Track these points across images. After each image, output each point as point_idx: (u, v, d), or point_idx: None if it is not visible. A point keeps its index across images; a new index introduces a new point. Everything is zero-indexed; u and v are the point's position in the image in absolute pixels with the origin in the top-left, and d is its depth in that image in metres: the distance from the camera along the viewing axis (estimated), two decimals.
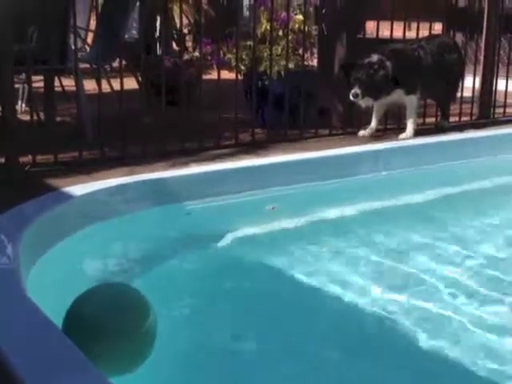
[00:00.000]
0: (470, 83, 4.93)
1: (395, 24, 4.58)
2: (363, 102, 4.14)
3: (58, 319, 1.74)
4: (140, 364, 1.73)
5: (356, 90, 4.06)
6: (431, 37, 4.67)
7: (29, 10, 3.37)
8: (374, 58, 4.14)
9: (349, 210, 3.30)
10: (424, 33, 4.74)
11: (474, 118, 5.00)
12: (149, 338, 1.75)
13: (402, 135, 4.31)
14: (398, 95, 4.24)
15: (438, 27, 5.24)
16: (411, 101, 4.29)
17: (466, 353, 2.04)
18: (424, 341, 2.10)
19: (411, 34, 4.79)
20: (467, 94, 4.89)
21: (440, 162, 3.98)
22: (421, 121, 4.62)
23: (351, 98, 4.08)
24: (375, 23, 4.61)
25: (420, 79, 4.30)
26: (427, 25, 4.80)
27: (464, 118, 4.90)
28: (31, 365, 1.47)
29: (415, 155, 4.02)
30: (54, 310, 1.80)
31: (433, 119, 4.73)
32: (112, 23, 4.21)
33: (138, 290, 1.82)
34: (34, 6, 3.43)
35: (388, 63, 4.13)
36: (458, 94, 4.76)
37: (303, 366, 2.00)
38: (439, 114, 4.71)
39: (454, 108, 4.79)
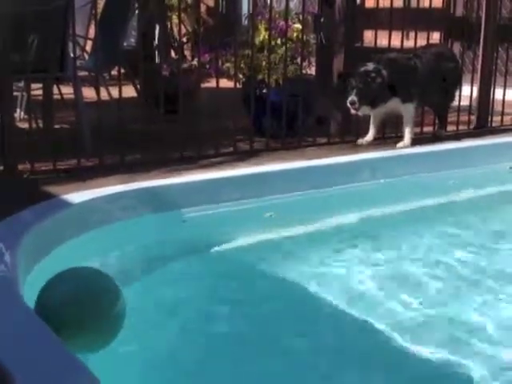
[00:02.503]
0: (468, 92, 4.95)
1: (393, 33, 4.61)
2: (360, 111, 4.15)
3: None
4: (110, 342, 1.81)
5: (353, 97, 4.08)
6: (428, 46, 4.70)
7: (28, 19, 3.38)
8: (370, 66, 4.17)
9: (347, 219, 3.30)
10: (422, 42, 4.76)
11: (471, 126, 5.01)
12: (119, 318, 1.84)
13: (400, 144, 4.32)
14: (394, 104, 4.26)
15: (435, 36, 5.26)
16: (408, 109, 4.31)
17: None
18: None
19: (409, 44, 4.82)
20: (465, 103, 4.91)
21: (438, 170, 3.99)
22: (419, 130, 4.64)
23: (348, 105, 4.10)
24: (373, 32, 4.63)
25: (416, 88, 4.31)
26: (425, 34, 4.83)
27: (462, 127, 4.91)
28: (29, 371, 1.48)
29: (413, 164, 4.03)
30: None
31: (431, 128, 4.75)
32: (111, 31, 4.22)
33: (107, 273, 1.91)
34: (33, 14, 3.44)
35: (384, 72, 4.16)
36: (456, 103, 4.77)
37: (302, 373, 2.00)
38: (437, 122, 4.73)
39: (452, 117, 4.80)
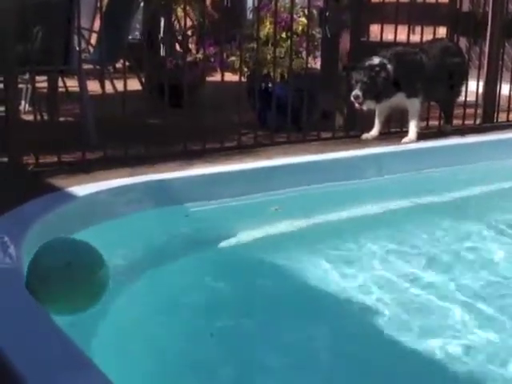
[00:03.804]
0: (474, 88, 4.93)
1: (399, 28, 4.59)
2: (365, 105, 4.14)
3: (59, 318, 1.75)
4: (95, 304, 1.94)
5: (357, 91, 4.06)
6: (434, 40, 4.68)
7: (33, 11, 3.37)
8: (376, 60, 4.15)
9: (351, 213, 3.29)
10: (428, 37, 4.74)
11: (477, 122, 5.00)
12: (103, 284, 1.97)
13: (405, 139, 4.30)
14: (399, 98, 4.24)
15: (442, 31, 5.23)
16: (413, 104, 4.29)
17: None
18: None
19: (415, 38, 4.80)
20: (471, 98, 4.89)
21: (442, 166, 3.97)
22: (424, 124, 4.62)
23: (352, 99, 4.09)
24: (379, 26, 4.61)
25: (422, 83, 4.29)
26: (431, 29, 4.80)
27: (467, 122, 4.89)
28: (33, 364, 1.47)
29: (418, 159, 4.02)
30: None
31: (436, 122, 4.73)
32: (116, 24, 4.21)
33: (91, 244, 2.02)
34: (38, 6, 3.43)
35: (389, 66, 4.14)
36: (462, 98, 4.76)
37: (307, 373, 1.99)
38: (443, 117, 4.72)
39: (458, 112, 4.79)
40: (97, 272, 1.96)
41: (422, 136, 4.35)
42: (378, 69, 4.11)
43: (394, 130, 4.53)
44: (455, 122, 4.76)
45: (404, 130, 4.41)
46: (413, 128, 4.31)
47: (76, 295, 1.92)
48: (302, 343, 2.14)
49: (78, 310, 1.95)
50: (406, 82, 4.22)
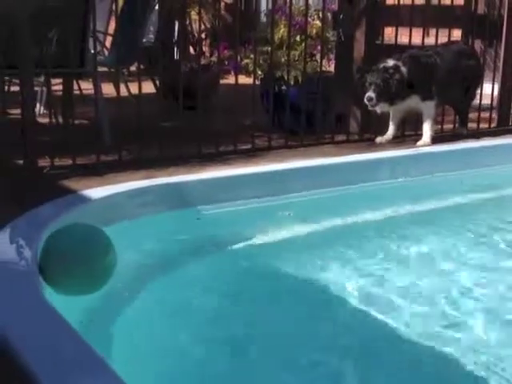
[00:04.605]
0: (489, 90, 4.90)
1: (414, 30, 4.57)
2: (378, 107, 4.12)
3: (75, 321, 1.75)
4: (102, 287, 2.04)
5: (370, 93, 4.05)
6: (449, 43, 4.66)
7: (49, 14, 3.39)
8: (390, 62, 4.14)
9: (365, 217, 3.28)
10: (443, 39, 4.72)
11: (492, 125, 4.97)
12: (110, 267, 2.06)
13: (420, 142, 4.28)
14: (414, 101, 4.22)
15: (456, 34, 5.21)
16: (427, 107, 4.27)
17: None
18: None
19: (430, 41, 4.78)
20: (486, 101, 4.86)
21: (457, 169, 3.95)
22: (439, 127, 4.60)
23: (365, 101, 4.08)
24: (394, 29, 4.59)
25: (436, 85, 4.28)
26: (446, 31, 4.78)
27: (482, 126, 4.86)
28: (48, 366, 1.48)
29: (432, 162, 4.00)
30: (71, 311, 1.81)
31: (451, 126, 4.70)
32: (130, 27, 4.23)
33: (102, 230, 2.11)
34: (54, 9, 3.45)
35: (403, 68, 4.13)
36: (477, 102, 4.73)
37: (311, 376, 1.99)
38: (457, 120, 4.69)
39: (473, 115, 4.76)
40: (108, 254, 2.04)
41: (436, 139, 4.33)
42: (392, 71, 4.10)
43: (408, 133, 4.51)
44: (470, 125, 4.73)
45: (419, 133, 4.39)
46: (427, 131, 4.29)
47: (90, 275, 2.02)
48: (314, 346, 2.14)
49: (87, 290, 2.03)
50: (421, 84, 4.21)
